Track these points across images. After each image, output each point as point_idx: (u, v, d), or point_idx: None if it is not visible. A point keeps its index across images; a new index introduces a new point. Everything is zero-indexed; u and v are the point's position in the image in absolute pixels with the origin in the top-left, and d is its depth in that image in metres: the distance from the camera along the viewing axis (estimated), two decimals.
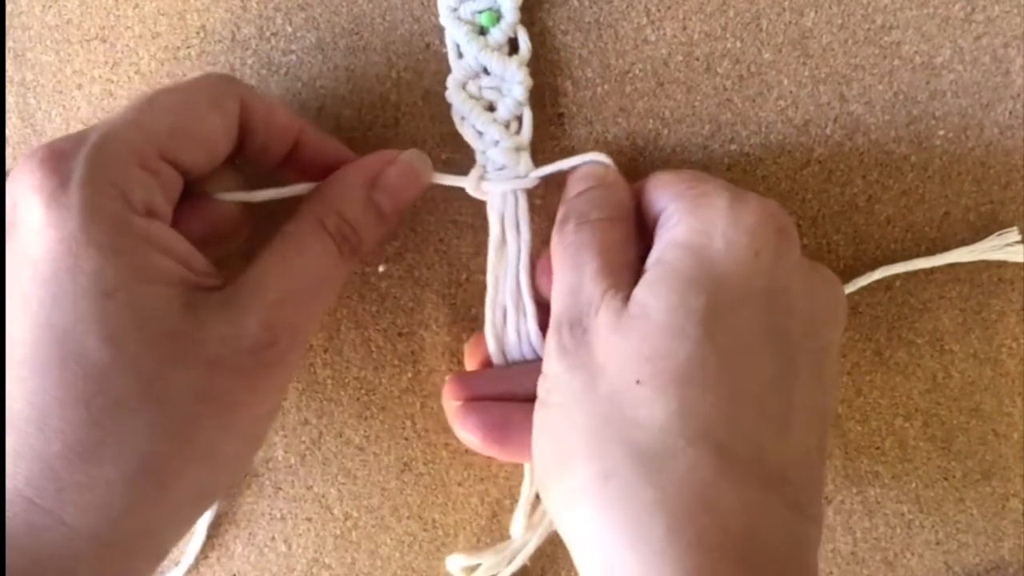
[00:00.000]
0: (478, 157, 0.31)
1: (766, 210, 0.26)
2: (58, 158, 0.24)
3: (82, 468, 0.23)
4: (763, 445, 0.24)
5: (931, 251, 0.32)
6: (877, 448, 0.33)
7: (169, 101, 0.26)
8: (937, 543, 0.34)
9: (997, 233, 0.32)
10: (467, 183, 0.31)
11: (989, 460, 0.33)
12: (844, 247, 0.33)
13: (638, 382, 0.24)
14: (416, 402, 0.33)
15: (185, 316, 0.24)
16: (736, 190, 0.27)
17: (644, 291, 0.26)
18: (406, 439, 0.33)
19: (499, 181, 0.31)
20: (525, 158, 0.31)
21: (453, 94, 0.31)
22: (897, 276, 0.33)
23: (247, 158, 0.29)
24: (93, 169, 0.24)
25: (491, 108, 0.31)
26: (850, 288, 0.32)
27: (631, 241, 0.28)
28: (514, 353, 0.31)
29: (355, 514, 0.34)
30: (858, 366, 0.33)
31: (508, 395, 0.29)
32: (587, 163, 0.30)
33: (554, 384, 0.27)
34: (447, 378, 0.31)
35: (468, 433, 0.29)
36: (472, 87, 0.32)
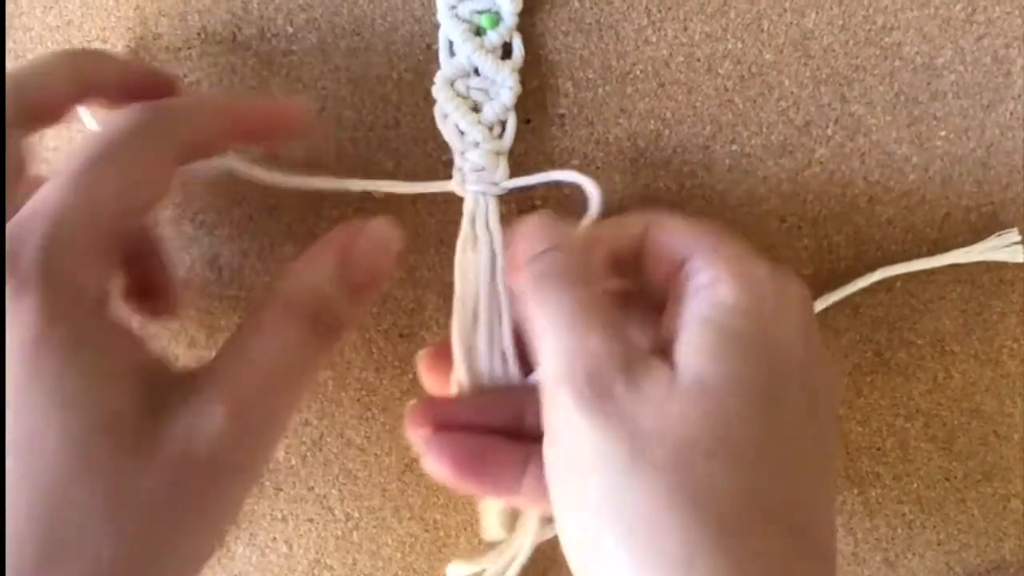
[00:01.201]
0: (456, 158, 0.31)
1: (800, 285, 0.26)
2: (13, 256, 0.23)
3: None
4: (821, 520, 0.24)
5: (932, 252, 0.33)
6: (878, 449, 0.33)
7: (111, 171, 0.24)
8: (938, 543, 0.34)
9: (997, 234, 0.32)
10: (453, 187, 0.31)
11: (990, 461, 0.33)
12: (845, 248, 0.33)
13: (708, 455, 0.23)
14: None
15: (147, 414, 0.23)
16: (766, 258, 0.27)
17: (697, 358, 0.24)
18: (407, 440, 0.33)
19: (474, 183, 0.31)
20: (503, 163, 0.31)
21: (440, 90, 0.31)
22: (898, 277, 0.33)
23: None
24: (48, 270, 0.23)
25: (475, 109, 0.31)
26: (850, 289, 0.32)
27: (606, 300, 0.27)
28: (483, 364, 0.29)
29: (356, 515, 0.34)
30: (859, 367, 0.33)
31: (481, 425, 0.27)
32: (538, 217, 0.28)
33: (580, 445, 0.24)
34: (410, 405, 0.29)
35: (439, 465, 0.27)
36: (460, 86, 0.32)
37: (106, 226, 0.24)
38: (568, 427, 0.24)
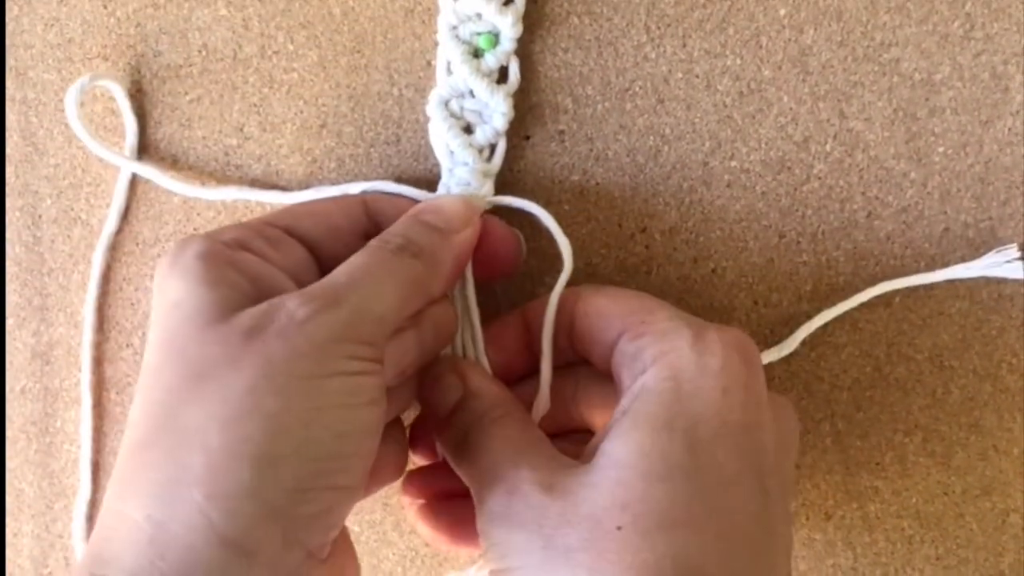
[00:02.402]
0: (444, 174, 0.31)
1: (729, 344, 0.26)
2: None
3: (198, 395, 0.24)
4: None
5: (930, 267, 0.33)
6: (877, 463, 0.33)
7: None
8: (937, 558, 0.34)
9: (996, 250, 0.32)
10: (434, 197, 0.31)
11: (989, 475, 0.33)
12: (844, 263, 0.33)
13: (619, 528, 0.23)
14: None
15: (236, 311, 0.25)
16: (693, 322, 0.27)
17: (613, 443, 0.25)
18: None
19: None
20: (489, 184, 0.31)
21: (434, 109, 0.31)
22: (897, 292, 0.33)
23: None
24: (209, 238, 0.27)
25: (468, 130, 0.32)
26: (850, 304, 0.32)
27: (528, 417, 0.28)
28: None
29: (357, 529, 0.34)
30: (858, 382, 0.33)
31: (462, 491, 0.28)
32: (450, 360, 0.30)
33: (503, 552, 0.25)
34: (404, 478, 0.31)
35: (432, 533, 0.30)
36: (454, 106, 0.32)
37: (279, 222, 0.28)
38: (489, 545, 0.25)
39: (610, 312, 0.28)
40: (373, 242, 0.27)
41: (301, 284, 0.26)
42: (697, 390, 0.25)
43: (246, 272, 0.25)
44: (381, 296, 0.25)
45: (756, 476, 0.25)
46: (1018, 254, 0.32)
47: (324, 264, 0.28)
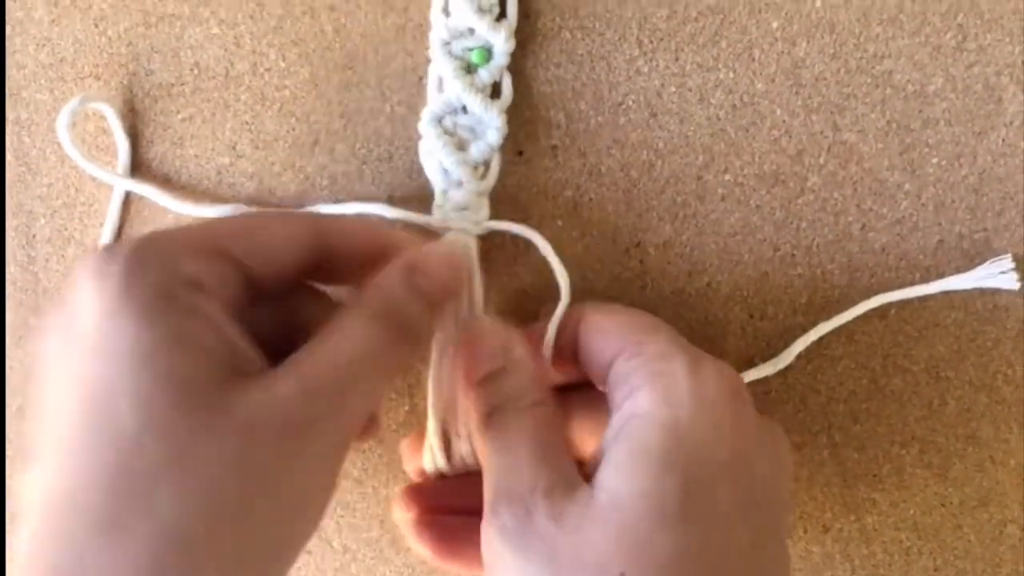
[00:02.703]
0: (438, 196, 0.31)
1: (721, 375, 0.26)
2: (109, 246, 0.24)
3: (108, 547, 0.22)
4: None
5: (925, 279, 0.33)
6: (874, 475, 0.33)
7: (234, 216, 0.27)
8: (935, 570, 0.34)
9: (991, 261, 0.32)
10: (432, 222, 0.31)
11: (986, 487, 0.33)
12: (839, 276, 0.33)
13: (623, 574, 0.23)
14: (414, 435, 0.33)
15: (220, 385, 0.23)
16: (689, 349, 0.27)
17: (613, 476, 0.25)
18: (404, 472, 0.33)
19: (455, 221, 0.31)
20: (484, 204, 0.31)
21: (426, 127, 0.31)
22: (892, 304, 0.33)
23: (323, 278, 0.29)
24: (140, 245, 0.24)
25: (461, 147, 0.31)
26: (845, 317, 0.32)
27: (558, 416, 0.28)
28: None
29: (354, 547, 0.34)
30: (855, 394, 0.33)
31: (460, 507, 0.28)
32: (491, 328, 0.29)
33: (506, 570, 0.25)
34: (399, 491, 0.30)
35: (422, 547, 0.29)
36: (448, 122, 0.32)
37: (210, 239, 0.25)
38: (495, 556, 0.25)
39: (608, 330, 0.28)
40: (366, 311, 0.26)
41: (242, 321, 0.25)
42: (693, 422, 0.25)
43: (214, 330, 0.24)
44: (376, 394, 0.26)
45: (748, 510, 0.25)
46: (1012, 265, 0.32)
47: (251, 283, 0.26)
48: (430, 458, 0.30)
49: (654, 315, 0.29)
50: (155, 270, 0.24)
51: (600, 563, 0.24)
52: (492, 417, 0.27)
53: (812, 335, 0.32)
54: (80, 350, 0.23)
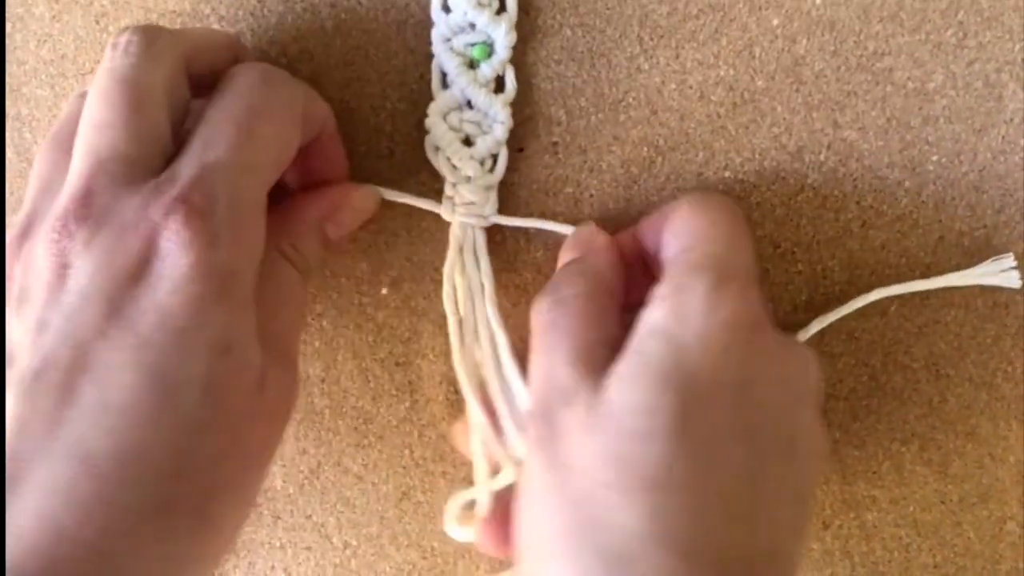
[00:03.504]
0: (447, 188, 0.32)
1: (743, 299, 0.26)
2: (201, 217, 0.25)
3: (158, 522, 0.23)
4: (729, 542, 0.24)
5: (926, 276, 0.33)
6: (874, 472, 0.33)
7: (268, 134, 0.27)
8: (935, 566, 0.34)
9: (992, 259, 0.32)
10: (442, 212, 0.32)
11: (986, 483, 0.33)
12: (839, 273, 0.33)
13: (606, 485, 0.24)
14: (414, 431, 0.33)
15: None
16: (724, 268, 0.26)
17: (616, 386, 0.25)
18: (404, 468, 0.34)
19: (463, 215, 0.31)
20: (493, 197, 0.32)
21: (434, 123, 0.31)
22: (892, 301, 0.33)
23: None
24: (234, 235, 0.25)
25: (467, 142, 0.32)
26: (845, 311, 0.32)
27: (610, 312, 0.28)
28: (493, 389, 0.30)
29: (354, 543, 0.34)
30: (854, 391, 0.33)
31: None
32: (573, 230, 0.31)
33: (529, 478, 0.26)
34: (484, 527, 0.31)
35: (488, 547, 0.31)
36: (453, 118, 0.32)
37: (265, 189, 0.27)
38: (526, 460, 0.27)
39: (676, 228, 0.28)
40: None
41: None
42: (700, 342, 0.25)
43: (165, 131, 0.26)
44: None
45: (746, 437, 0.25)
46: (1014, 263, 0.32)
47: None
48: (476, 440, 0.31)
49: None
50: (247, 265, 0.26)
51: (588, 472, 0.24)
52: (539, 305, 0.28)
53: (812, 329, 0.32)
54: (161, 328, 0.24)
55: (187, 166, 0.25)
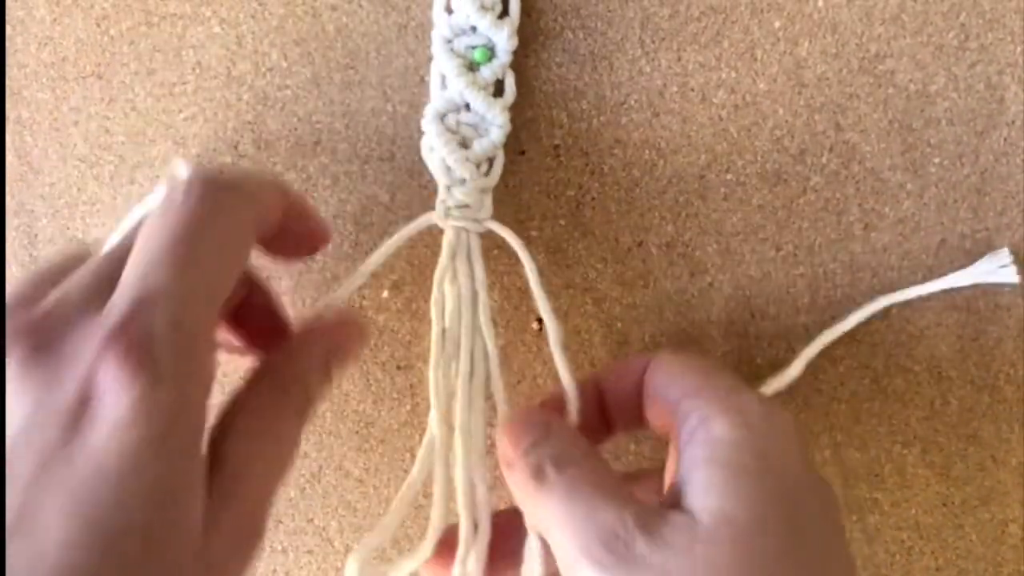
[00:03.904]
0: (441, 191, 0.31)
1: (781, 408, 0.27)
2: (139, 352, 0.23)
3: None
4: None
5: (928, 278, 0.33)
6: (876, 475, 0.33)
7: (209, 251, 0.25)
8: (937, 569, 0.34)
9: (988, 256, 0.32)
10: (435, 219, 0.31)
11: (988, 486, 0.33)
12: (841, 275, 0.33)
13: None
14: (415, 434, 0.33)
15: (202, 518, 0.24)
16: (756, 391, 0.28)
17: (707, 496, 0.25)
18: (405, 471, 0.33)
19: (457, 219, 0.31)
20: (487, 201, 0.31)
21: (429, 123, 0.31)
22: (894, 305, 0.33)
23: None
24: (179, 368, 0.23)
25: (464, 145, 0.31)
26: (848, 324, 0.32)
27: (604, 466, 0.28)
28: (460, 399, 0.30)
29: (356, 546, 0.34)
30: (856, 394, 0.33)
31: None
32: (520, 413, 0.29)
33: None
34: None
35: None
36: (450, 120, 0.31)
37: (214, 316, 0.25)
38: None
39: (673, 373, 0.28)
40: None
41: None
42: (777, 447, 0.26)
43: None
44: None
45: (826, 516, 0.26)
46: (1011, 258, 0.32)
47: None
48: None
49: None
50: (195, 407, 0.24)
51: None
52: (545, 476, 0.27)
53: (816, 345, 0.32)
54: (97, 476, 0.22)
55: (122, 298, 0.24)
